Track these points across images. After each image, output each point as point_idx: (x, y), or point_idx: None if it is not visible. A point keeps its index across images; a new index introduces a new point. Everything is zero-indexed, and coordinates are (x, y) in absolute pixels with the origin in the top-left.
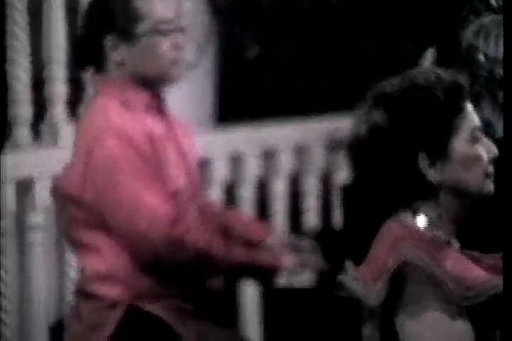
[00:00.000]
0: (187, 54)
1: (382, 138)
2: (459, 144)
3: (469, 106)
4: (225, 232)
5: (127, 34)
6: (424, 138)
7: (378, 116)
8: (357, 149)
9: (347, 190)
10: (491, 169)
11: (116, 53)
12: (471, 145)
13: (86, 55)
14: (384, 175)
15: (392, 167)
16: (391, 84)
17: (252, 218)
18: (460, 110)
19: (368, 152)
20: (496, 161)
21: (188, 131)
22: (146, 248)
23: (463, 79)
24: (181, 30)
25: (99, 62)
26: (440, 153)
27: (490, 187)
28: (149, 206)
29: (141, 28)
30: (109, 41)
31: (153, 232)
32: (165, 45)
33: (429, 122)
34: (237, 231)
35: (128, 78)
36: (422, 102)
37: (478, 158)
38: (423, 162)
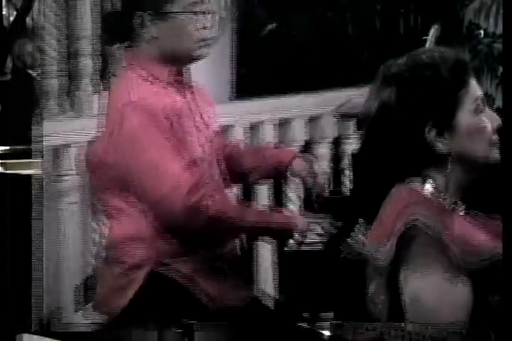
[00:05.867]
0: (213, 34)
1: (391, 114)
2: (464, 115)
3: (472, 80)
4: (257, 157)
5: (159, 13)
6: (430, 112)
7: (388, 95)
8: (369, 124)
9: (357, 157)
10: (495, 138)
11: (148, 30)
12: (475, 115)
13: (118, 31)
14: (394, 146)
15: (401, 139)
16: (398, 64)
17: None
18: (463, 85)
19: (379, 127)
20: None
21: (208, 101)
22: (166, 213)
23: (465, 56)
24: (209, 11)
25: (129, 38)
26: (447, 124)
27: (495, 154)
28: (170, 174)
29: (173, 7)
30: (140, 18)
31: (172, 198)
32: (194, 25)
33: (435, 98)
34: (268, 155)
35: (156, 53)
36: (428, 80)
37: (482, 128)
38: (431, 134)
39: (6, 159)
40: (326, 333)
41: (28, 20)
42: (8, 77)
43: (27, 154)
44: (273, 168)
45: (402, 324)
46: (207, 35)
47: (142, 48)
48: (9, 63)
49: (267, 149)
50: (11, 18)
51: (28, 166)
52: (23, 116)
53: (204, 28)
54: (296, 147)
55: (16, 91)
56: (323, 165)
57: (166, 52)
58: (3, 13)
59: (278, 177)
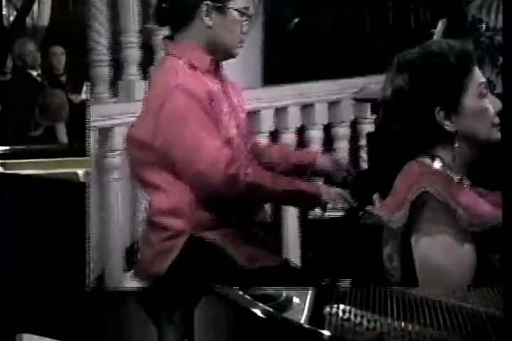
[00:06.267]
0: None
1: (405, 97)
2: (469, 99)
3: (475, 68)
4: (283, 157)
5: (220, 6)
6: (439, 96)
7: (401, 80)
8: (384, 106)
9: (373, 137)
10: (497, 120)
11: (208, 18)
12: (479, 99)
13: (179, 12)
14: (407, 126)
15: (413, 119)
16: (411, 53)
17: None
18: (468, 72)
19: (394, 109)
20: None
21: (238, 89)
22: (205, 185)
23: (470, 47)
24: (251, 18)
25: (185, 22)
26: (453, 107)
27: (497, 135)
28: (209, 149)
29: (232, 4)
30: (204, 6)
31: (212, 171)
32: (241, 26)
33: (444, 83)
34: (292, 158)
35: (203, 43)
36: (437, 67)
37: (485, 111)
38: (439, 115)
39: (6, 159)
40: (326, 333)
41: (28, 20)
42: (8, 76)
43: (27, 154)
44: (294, 167)
45: (402, 324)
46: (244, 39)
47: (189, 37)
48: (9, 63)
49: (289, 149)
50: (11, 18)
51: (28, 166)
52: (23, 116)
53: (244, 31)
54: (318, 129)
55: (16, 91)
56: (342, 158)
57: (214, 42)
58: (3, 13)
59: (298, 175)
